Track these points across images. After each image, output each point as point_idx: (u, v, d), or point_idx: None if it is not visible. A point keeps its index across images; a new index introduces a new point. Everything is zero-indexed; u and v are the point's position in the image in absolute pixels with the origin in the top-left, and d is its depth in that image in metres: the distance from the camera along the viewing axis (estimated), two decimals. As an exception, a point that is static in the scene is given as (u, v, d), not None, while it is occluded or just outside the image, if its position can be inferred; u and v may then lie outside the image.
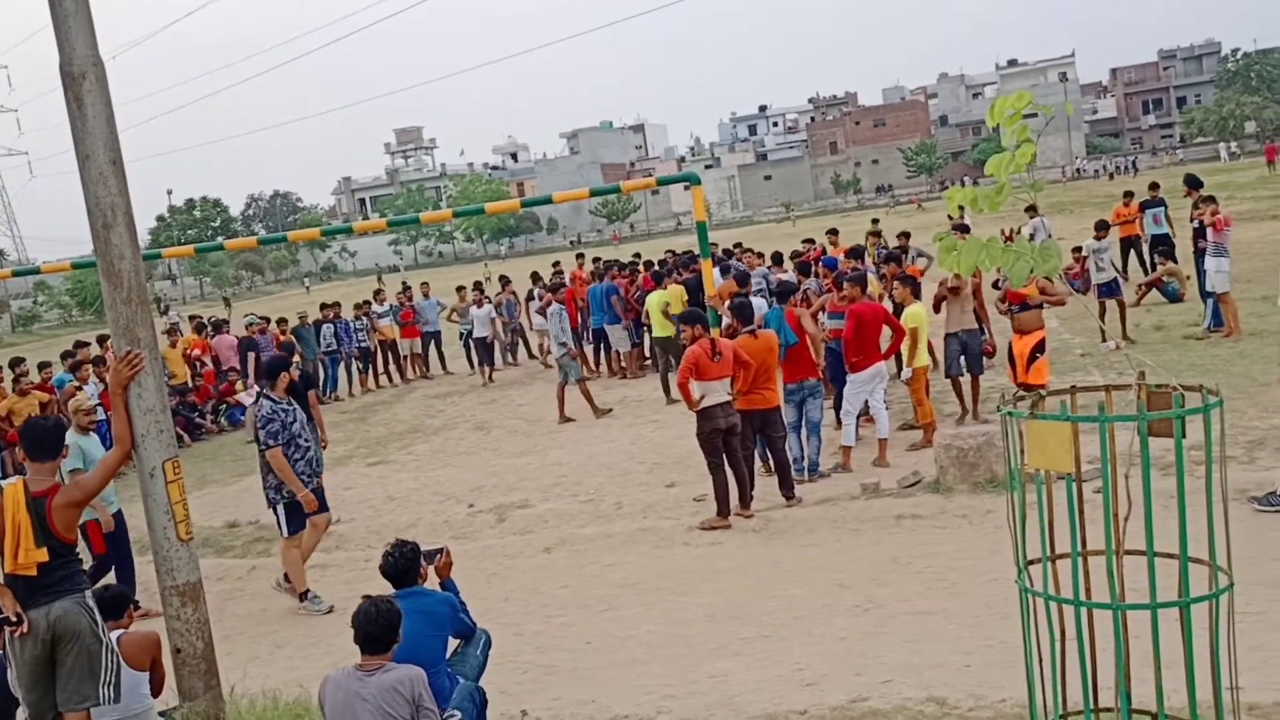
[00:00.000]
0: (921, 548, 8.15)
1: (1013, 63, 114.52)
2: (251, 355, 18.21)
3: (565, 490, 11.36)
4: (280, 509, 8.66)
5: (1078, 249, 17.67)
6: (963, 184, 4.44)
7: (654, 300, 15.99)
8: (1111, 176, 72.48)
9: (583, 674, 6.71)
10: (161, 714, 5.74)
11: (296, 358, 16.76)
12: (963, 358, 11.35)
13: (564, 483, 11.67)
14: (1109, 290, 15.16)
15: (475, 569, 9.09)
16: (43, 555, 5.01)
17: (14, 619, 4.98)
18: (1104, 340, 13.96)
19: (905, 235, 16.94)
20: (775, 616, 7.18)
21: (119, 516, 9.08)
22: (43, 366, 15.94)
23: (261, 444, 8.51)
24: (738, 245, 21.83)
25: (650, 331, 16.72)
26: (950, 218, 27.26)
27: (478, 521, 10.71)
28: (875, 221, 21.16)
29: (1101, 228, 15.89)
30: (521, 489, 11.64)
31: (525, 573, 8.98)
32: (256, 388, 18.40)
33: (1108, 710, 4.06)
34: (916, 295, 11.11)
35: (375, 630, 4.56)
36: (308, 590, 8.79)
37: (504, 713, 5.94)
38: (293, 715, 5.45)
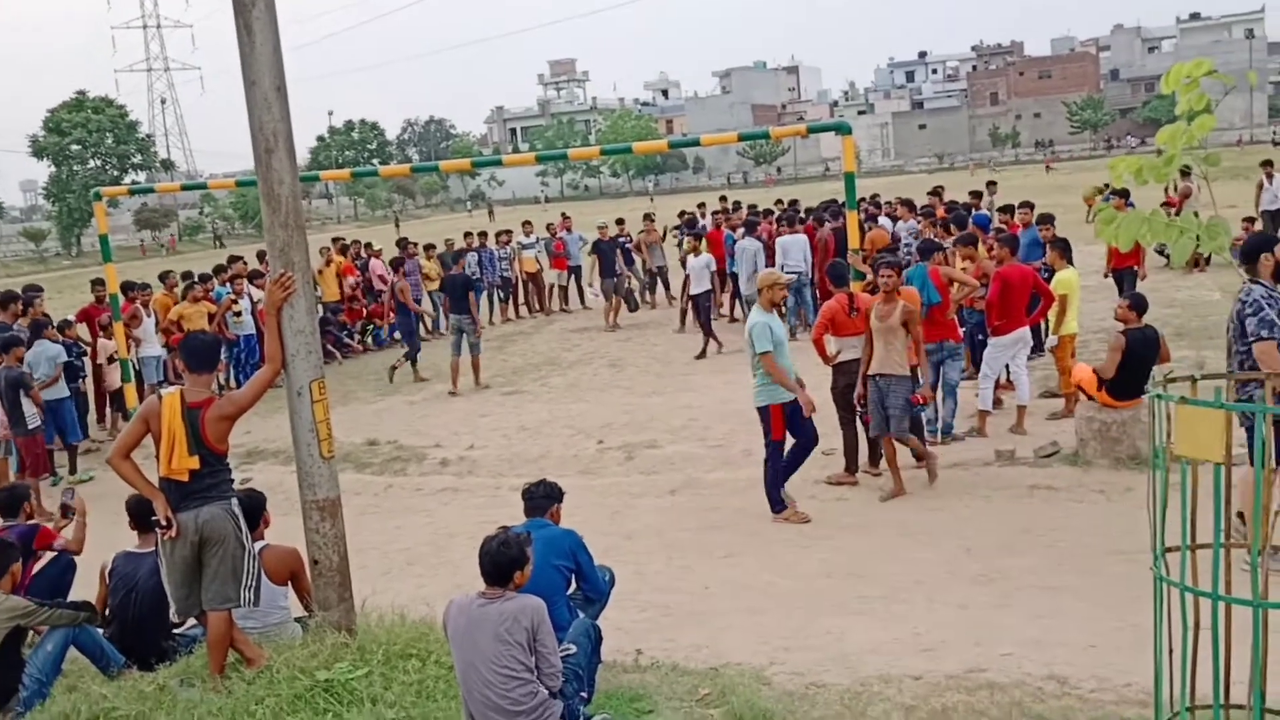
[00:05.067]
0: (1054, 520, 7.94)
1: (1195, 16, 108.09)
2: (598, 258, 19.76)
3: (694, 434, 11.41)
4: None
5: (1249, 219, 16.75)
6: (1129, 142, 4.25)
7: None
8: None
9: (700, 618, 6.77)
10: (297, 619, 6.04)
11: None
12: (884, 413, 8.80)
13: (693, 426, 11.72)
14: None
15: (599, 505, 9.24)
16: (194, 463, 5.27)
17: (164, 522, 5.27)
18: None
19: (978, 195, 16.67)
20: (896, 579, 7.11)
21: None
22: (204, 279, 16.60)
23: (1250, 334, 6.64)
24: (875, 196, 21.01)
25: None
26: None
27: (606, 458, 10.86)
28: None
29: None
30: (651, 429, 11.74)
31: (649, 513, 9.08)
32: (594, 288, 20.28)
33: (1238, 707, 3.92)
34: (1068, 260, 10.71)
35: (502, 563, 4.68)
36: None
37: (619, 649, 6.04)
38: (418, 633, 5.65)
